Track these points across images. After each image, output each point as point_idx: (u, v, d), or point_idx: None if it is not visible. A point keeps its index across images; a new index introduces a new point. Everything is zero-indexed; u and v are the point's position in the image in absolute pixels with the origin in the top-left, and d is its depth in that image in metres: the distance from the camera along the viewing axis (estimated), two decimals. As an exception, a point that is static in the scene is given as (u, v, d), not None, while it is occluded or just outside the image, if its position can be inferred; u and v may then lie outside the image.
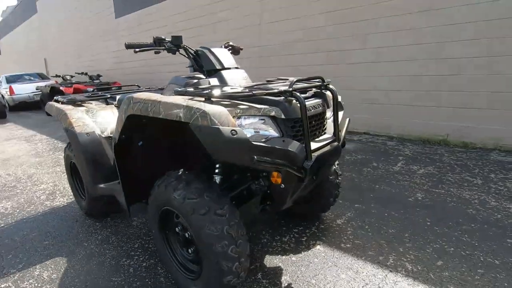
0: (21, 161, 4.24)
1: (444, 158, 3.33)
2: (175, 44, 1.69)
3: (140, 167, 1.67)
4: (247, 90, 1.27)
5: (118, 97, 2.32)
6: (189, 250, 1.47)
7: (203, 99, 1.20)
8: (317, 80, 1.52)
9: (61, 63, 14.56)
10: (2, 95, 11.41)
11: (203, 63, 1.69)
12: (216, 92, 1.22)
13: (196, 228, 1.23)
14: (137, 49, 1.62)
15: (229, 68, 1.68)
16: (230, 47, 2.05)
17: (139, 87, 3.44)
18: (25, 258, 1.90)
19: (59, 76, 9.80)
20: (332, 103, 1.49)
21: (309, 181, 1.51)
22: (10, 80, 11.65)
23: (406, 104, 4.29)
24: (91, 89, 8.23)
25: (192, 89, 1.32)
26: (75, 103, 2.31)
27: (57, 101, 2.39)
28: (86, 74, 8.55)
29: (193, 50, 1.75)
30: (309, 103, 1.37)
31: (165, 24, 8.17)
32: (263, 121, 1.25)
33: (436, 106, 4.00)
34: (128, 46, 1.64)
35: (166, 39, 1.68)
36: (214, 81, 1.61)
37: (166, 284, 1.58)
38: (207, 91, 1.21)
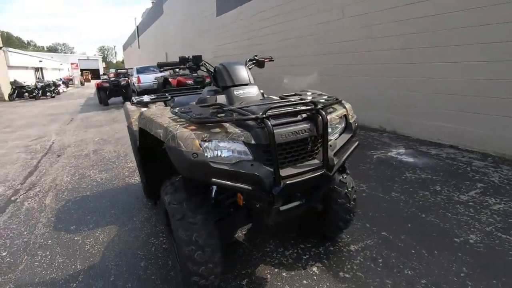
0: (126, 140, 5.40)
1: (546, 194, 2.55)
2: (195, 63, 1.90)
3: (163, 166, 1.98)
4: (220, 115, 1.35)
5: (176, 99, 2.71)
6: None
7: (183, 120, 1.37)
8: (309, 103, 1.47)
9: (177, 57, 17.14)
10: (133, 83, 14.38)
11: (218, 80, 1.84)
12: (190, 115, 1.34)
13: (173, 230, 1.44)
14: (161, 68, 1.91)
15: (239, 85, 1.78)
16: (254, 61, 2.13)
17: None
18: (96, 221, 2.55)
19: (207, 62, 11.63)
20: (322, 128, 1.42)
21: (299, 205, 1.52)
22: (139, 71, 14.47)
23: None
24: (190, 82, 9.40)
25: (182, 109, 1.48)
26: (142, 104, 2.83)
27: (132, 101, 2.97)
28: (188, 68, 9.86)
29: (212, 67, 1.92)
30: (289, 128, 1.36)
31: (252, 22, 8.58)
32: (233, 144, 1.33)
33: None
34: (159, 65, 1.94)
35: (189, 58, 1.91)
36: (221, 98, 1.75)
37: (171, 268, 1.88)
38: (185, 114, 1.37)
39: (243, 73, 1.83)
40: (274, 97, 1.92)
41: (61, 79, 25.47)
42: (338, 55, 5.79)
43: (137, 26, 28.13)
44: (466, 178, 2.98)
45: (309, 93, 1.88)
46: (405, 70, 4.58)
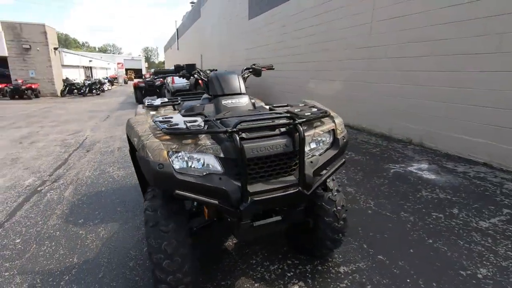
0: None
1: None
2: (188, 71, 1.92)
3: None
4: (193, 127, 1.34)
5: (184, 103, 2.77)
6: None
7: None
8: (287, 116, 1.41)
9: (211, 59, 17.63)
10: (168, 83, 15.08)
11: (210, 88, 1.85)
12: (167, 125, 1.35)
13: (146, 236, 1.46)
14: (155, 76, 1.96)
15: (229, 94, 1.77)
16: (251, 69, 2.10)
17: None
18: (102, 216, 2.69)
19: (201, 70, 12.00)
20: (299, 144, 1.35)
21: (277, 221, 1.47)
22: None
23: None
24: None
25: (162, 118, 1.50)
26: (152, 107, 2.94)
27: (143, 104, 3.09)
28: (216, 70, 10.10)
29: (206, 74, 1.93)
30: (262, 143, 1.32)
31: (283, 24, 8.53)
32: (202, 157, 1.32)
33: None
34: (155, 73, 2.00)
35: (184, 66, 1.94)
36: (210, 106, 1.76)
37: (156, 270, 1.91)
38: (163, 123, 1.38)
39: (234, 82, 1.81)
40: (266, 107, 1.88)
41: (107, 77, 27.47)
42: (367, 61, 5.54)
43: (177, 29, 29.45)
44: (492, 202, 2.67)
45: (301, 105, 1.81)
46: (437, 78, 4.24)
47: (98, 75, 29.39)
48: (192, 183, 1.26)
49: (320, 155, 1.52)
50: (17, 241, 2.33)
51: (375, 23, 5.26)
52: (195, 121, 1.47)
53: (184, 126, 1.34)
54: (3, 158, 4.62)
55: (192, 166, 1.32)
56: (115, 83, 30.12)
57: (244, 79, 2.04)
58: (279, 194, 1.33)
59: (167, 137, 1.32)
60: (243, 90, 1.84)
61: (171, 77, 14.28)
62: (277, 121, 1.41)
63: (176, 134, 1.30)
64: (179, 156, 1.30)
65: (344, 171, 3.55)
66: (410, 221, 2.40)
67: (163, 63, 54.67)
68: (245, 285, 1.76)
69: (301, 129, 1.35)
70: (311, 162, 1.47)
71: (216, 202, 1.28)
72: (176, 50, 31.28)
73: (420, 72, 4.49)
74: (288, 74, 8.60)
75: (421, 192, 2.93)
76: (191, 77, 2.01)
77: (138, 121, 1.57)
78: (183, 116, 1.61)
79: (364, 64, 5.61)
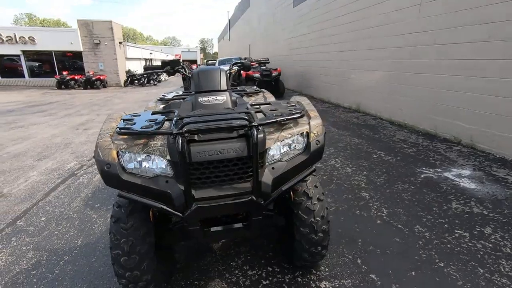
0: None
1: None
2: (172, 67, 1.90)
3: None
4: (146, 127, 1.32)
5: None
6: None
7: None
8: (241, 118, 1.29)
9: (258, 49, 17.57)
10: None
11: (191, 84, 1.80)
12: (122, 124, 1.36)
13: (109, 230, 1.50)
14: (144, 72, 1.97)
15: (207, 91, 1.71)
16: (240, 64, 2.00)
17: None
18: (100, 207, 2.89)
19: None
20: (253, 148, 1.23)
21: (237, 228, 1.40)
22: (221, 62, 15.44)
23: None
24: (257, 75, 9.57)
25: (130, 116, 1.51)
26: (163, 101, 3.02)
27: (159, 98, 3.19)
28: (255, 60, 10.00)
29: (190, 70, 1.89)
30: (211, 146, 1.24)
31: (328, 10, 8.01)
32: (150, 158, 1.29)
33: None
34: (144, 68, 2.02)
35: (168, 62, 1.92)
36: (188, 103, 1.72)
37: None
38: (125, 121, 1.39)
39: (214, 79, 1.74)
40: (249, 106, 1.76)
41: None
42: (413, 49, 4.91)
43: (229, 19, 29.94)
44: (542, 223, 2.17)
45: (284, 103, 1.65)
46: (497, 68, 3.56)
47: (157, 66, 31.61)
48: (138, 185, 1.24)
49: (287, 160, 1.38)
50: (43, 219, 2.65)
51: (424, 5, 4.59)
52: (155, 119, 1.45)
53: (139, 125, 1.33)
54: (59, 143, 5.28)
55: (146, 167, 1.30)
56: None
57: (233, 75, 1.95)
58: (228, 202, 1.24)
59: (125, 136, 1.32)
60: (224, 86, 1.75)
61: (217, 68, 14.66)
62: (234, 123, 1.30)
63: (123, 134, 1.29)
64: (127, 156, 1.29)
65: (365, 172, 3.23)
66: (424, 238, 2.07)
67: (216, 53, 56.45)
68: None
69: (255, 132, 1.22)
70: (273, 168, 1.34)
71: (160, 205, 1.25)
72: (228, 40, 31.90)
73: (476, 61, 3.81)
74: (329, 64, 8.12)
75: (450, 203, 2.51)
76: (177, 72, 1.99)
77: (112, 118, 1.60)
78: (155, 113, 1.61)
79: (408, 52, 4.98)
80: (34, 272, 1.94)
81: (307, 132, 1.42)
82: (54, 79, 17.42)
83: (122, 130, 1.29)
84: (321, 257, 1.69)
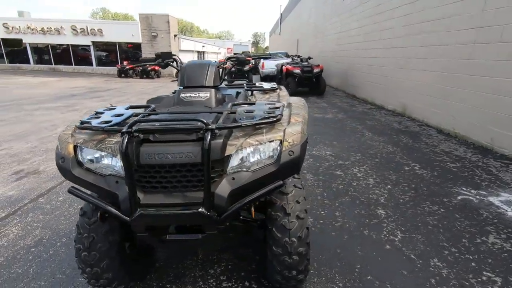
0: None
1: None
2: (163, 59, 1.81)
3: None
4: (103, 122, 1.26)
5: None
6: None
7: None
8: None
9: (306, 44, 17.03)
10: (259, 68, 15.42)
11: (179, 79, 1.71)
12: (85, 118, 1.32)
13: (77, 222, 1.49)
14: (134, 65, 1.92)
15: (192, 87, 1.60)
16: (234, 58, 1.84)
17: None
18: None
19: (293, 56, 11.69)
20: (204, 155, 1.08)
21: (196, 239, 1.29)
22: (267, 57, 15.29)
23: None
24: (297, 71, 9.27)
25: (106, 108, 1.47)
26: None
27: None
28: (299, 56, 9.64)
29: (181, 64, 1.79)
30: (163, 148, 1.12)
31: (379, 2, 7.32)
32: (104, 155, 1.22)
33: None
34: (140, 61, 1.97)
35: (160, 54, 1.84)
36: (168, 98, 1.65)
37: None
38: (91, 115, 1.35)
39: (200, 74, 1.63)
40: (229, 105, 1.60)
41: (214, 61, 30.34)
42: (472, 47, 4.20)
43: (281, 13, 29.54)
44: None
45: (267, 106, 1.47)
46: None
47: (209, 59, 32.76)
48: (88, 183, 1.19)
49: (252, 171, 1.20)
50: (60, 198, 2.83)
51: (491, -6, 3.87)
52: (122, 114, 1.38)
53: (102, 120, 1.28)
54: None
55: (104, 164, 1.25)
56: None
57: (226, 70, 1.82)
58: (174, 212, 1.12)
59: (88, 130, 1.28)
60: (209, 83, 1.63)
61: (262, 62, 14.57)
62: (189, 124, 1.16)
63: (79, 128, 1.25)
64: (88, 152, 1.24)
65: (389, 186, 2.85)
66: (439, 275, 1.72)
67: (267, 48, 56.41)
68: (186, 295, 1.63)
69: (208, 137, 1.07)
70: (233, 178, 1.17)
71: (106, 206, 1.18)
72: (278, 35, 31.55)
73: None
74: (375, 61, 7.45)
75: (487, 236, 2.06)
76: (168, 65, 1.91)
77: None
78: (132, 107, 1.55)
79: (467, 51, 4.27)
80: (33, 249, 2.06)
81: (280, 140, 1.22)
82: (116, 68, 19.08)
83: (82, 124, 1.25)
84: (298, 282, 1.48)
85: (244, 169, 1.20)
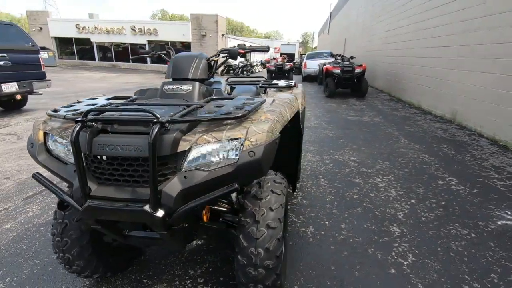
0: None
1: None
2: (156, 52, 1.78)
3: None
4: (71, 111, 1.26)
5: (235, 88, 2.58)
6: None
7: None
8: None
9: (353, 44, 16.18)
10: (301, 68, 15.12)
11: (167, 70, 1.68)
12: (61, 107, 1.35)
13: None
14: (132, 57, 1.91)
15: (177, 79, 1.55)
16: (226, 51, 1.74)
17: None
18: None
19: (336, 55, 11.18)
20: (150, 149, 1.00)
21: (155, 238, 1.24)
22: (310, 56, 14.88)
23: None
24: (336, 71, 8.84)
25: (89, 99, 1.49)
26: None
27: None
28: (341, 55, 9.14)
29: (173, 55, 1.75)
30: (115, 139, 1.07)
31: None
32: (67, 142, 1.22)
33: None
34: (140, 53, 1.97)
35: (154, 45, 1.81)
36: (152, 90, 1.63)
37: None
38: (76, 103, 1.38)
39: (186, 66, 1.57)
40: (225, 99, 1.50)
41: (261, 60, 30.52)
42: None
43: (330, 12, 28.54)
44: None
45: (240, 101, 1.34)
46: None
47: (256, 58, 33.05)
48: (51, 169, 1.20)
49: (209, 170, 1.09)
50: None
51: None
52: (94, 104, 1.37)
53: (73, 108, 1.28)
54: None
55: (66, 151, 1.25)
56: (267, 66, 33.08)
57: (219, 63, 1.74)
58: (119, 207, 1.06)
59: (54, 117, 1.30)
60: (195, 76, 1.56)
61: (304, 61, 14.23)
62: (140, 116, 1.10)
63: (50, 116, 1.26)
64: (56, 139, 1.25)
65: (413, 200, 2.50)
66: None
67: (315, 48, 55.13)
68: (158, 293, 1.58)
69: (155, 130, 0.99)
70: (185, 177, 1.08)
71: (63, 195, 1.17)
72: (327, 34, 30.55)
73: None
74: (425, 62, 6.73)
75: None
76: (161, 58, 1.88)
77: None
78: (110, 99, 1.56)
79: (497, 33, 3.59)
80: (42, 228, 2.21)
81: (243, 139, 1.09)
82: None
83: (51, 112, 1.27)
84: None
85: (201, 168, 1.10)
